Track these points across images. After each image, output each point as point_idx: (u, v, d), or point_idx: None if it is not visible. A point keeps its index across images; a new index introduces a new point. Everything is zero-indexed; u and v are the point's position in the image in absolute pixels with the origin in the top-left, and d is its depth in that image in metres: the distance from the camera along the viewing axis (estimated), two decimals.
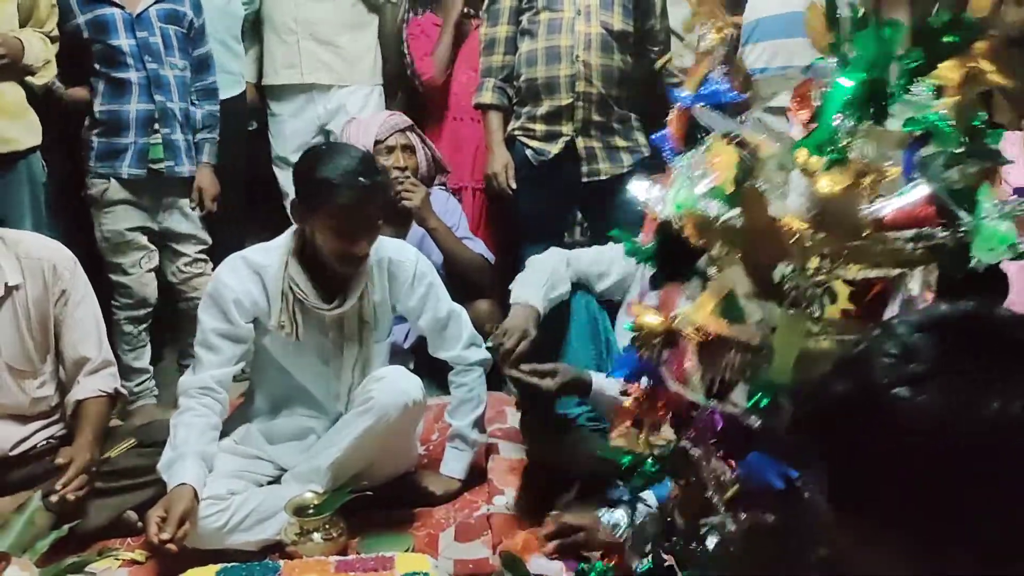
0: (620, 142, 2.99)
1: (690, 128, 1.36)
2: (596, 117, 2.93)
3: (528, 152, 2.98)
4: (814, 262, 1.08)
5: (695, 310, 1.21)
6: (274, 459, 2.22)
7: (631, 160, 2.99)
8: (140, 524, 2.04)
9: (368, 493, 2.06)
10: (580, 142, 2.94)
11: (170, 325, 3.20)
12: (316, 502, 1.99)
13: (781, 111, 1.26)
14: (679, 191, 1.22)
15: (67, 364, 2.16)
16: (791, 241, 1.07)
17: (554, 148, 2.95)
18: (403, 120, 2.90)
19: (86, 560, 1.53)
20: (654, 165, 2.99)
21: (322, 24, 3.29)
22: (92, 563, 1.53)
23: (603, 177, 2.97)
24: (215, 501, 1.97)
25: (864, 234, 1.06)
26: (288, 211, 2.19)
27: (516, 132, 3.01)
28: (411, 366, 2.47)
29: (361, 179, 2.01)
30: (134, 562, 1.91)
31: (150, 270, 3.01)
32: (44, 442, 2.12)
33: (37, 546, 1.52)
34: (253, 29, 3.41)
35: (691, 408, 1.25)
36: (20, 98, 2.68)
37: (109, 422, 2.21)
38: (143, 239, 2.98)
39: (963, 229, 1.05)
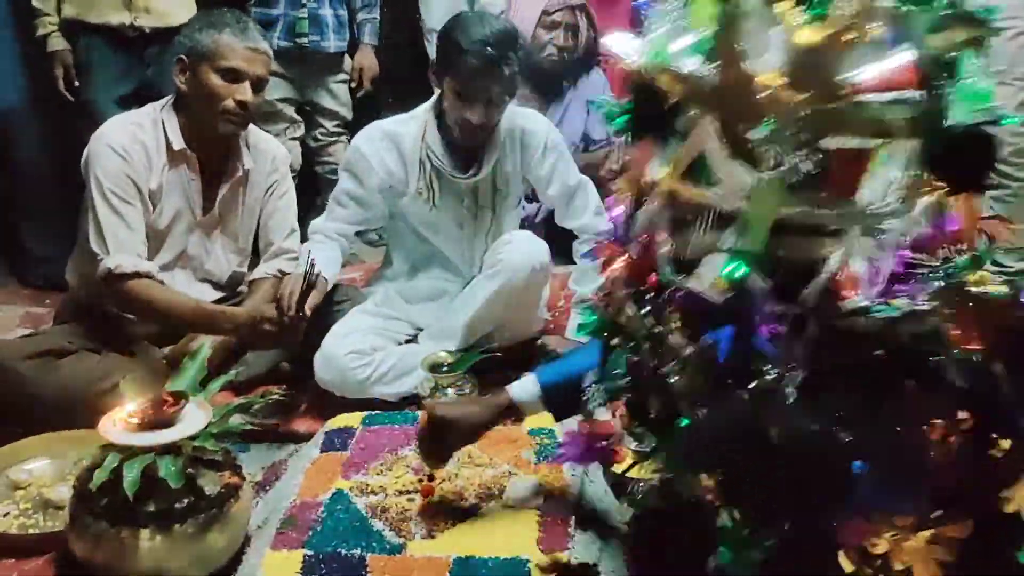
0: None
1: None
2: None
3: None
4: (791, 126, 0.98)
5: (666, 173, 1.13)
6: (411, 319, 2.35)
7: None
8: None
9: (498, 354, 2.17)
10: None
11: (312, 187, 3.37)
12: (450, 360, 2.06)
13: None
14: (657, 42, 1.13)
15: (259, 246, 2.31)
16: (766, 99, 0.98)
17: None
18: None
19: (251, 401, 1.70)
20: None
21: None
22: (256, 404, 1.70)
23: None
24: (360, 355, 2.11)
25: (841, 94, 0.97)
26: (430, 77, 2.24)
27: None
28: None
29: (489, 49, 2.04)
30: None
31: (294, 138, 3.16)
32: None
33: (210, 387, 1.68)
34: None
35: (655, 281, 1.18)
36: None
37: None
38: (290, 110, 3.12)
39: (943, 93, 0.97)
